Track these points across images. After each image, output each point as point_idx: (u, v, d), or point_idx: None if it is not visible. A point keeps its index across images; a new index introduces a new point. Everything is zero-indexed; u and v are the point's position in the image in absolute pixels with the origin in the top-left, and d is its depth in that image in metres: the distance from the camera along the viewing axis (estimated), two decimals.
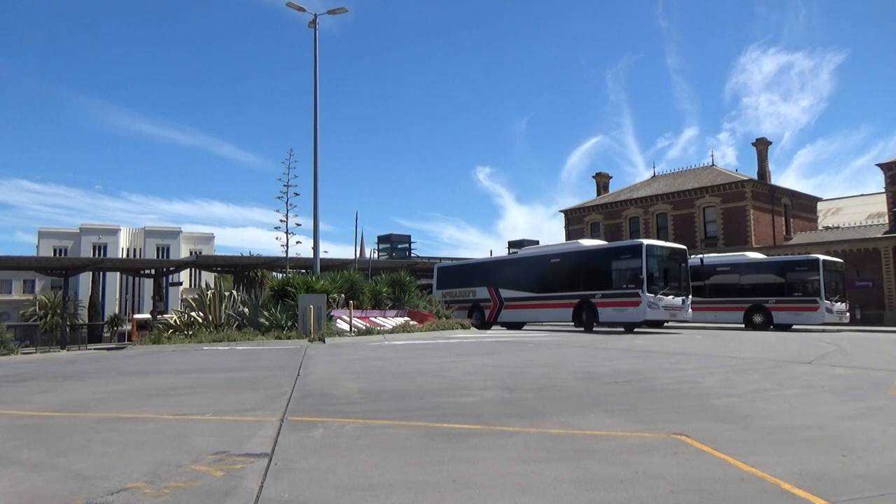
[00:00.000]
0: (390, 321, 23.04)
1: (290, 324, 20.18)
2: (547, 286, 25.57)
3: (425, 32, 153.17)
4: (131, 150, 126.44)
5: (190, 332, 20.15)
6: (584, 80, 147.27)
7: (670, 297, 21.84)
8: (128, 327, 45.90)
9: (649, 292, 21.25)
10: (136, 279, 67.32)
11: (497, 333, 22.76)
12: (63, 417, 6.98)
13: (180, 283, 58.61)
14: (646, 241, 22.70)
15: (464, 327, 24.09)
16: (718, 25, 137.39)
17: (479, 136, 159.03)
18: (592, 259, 24.67)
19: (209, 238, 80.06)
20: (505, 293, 27.30)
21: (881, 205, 39.98)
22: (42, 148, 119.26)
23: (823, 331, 23.44)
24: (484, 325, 28.07)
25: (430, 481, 4.14)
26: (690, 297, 22.86)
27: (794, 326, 25.07)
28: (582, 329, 23.83)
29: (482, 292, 28.50)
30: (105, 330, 48.84)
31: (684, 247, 24.66)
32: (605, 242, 27.85)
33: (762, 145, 44.44)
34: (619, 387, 8.34)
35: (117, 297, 70.45)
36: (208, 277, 61.60)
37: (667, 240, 44.46)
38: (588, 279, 23.93)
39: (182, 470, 4.49)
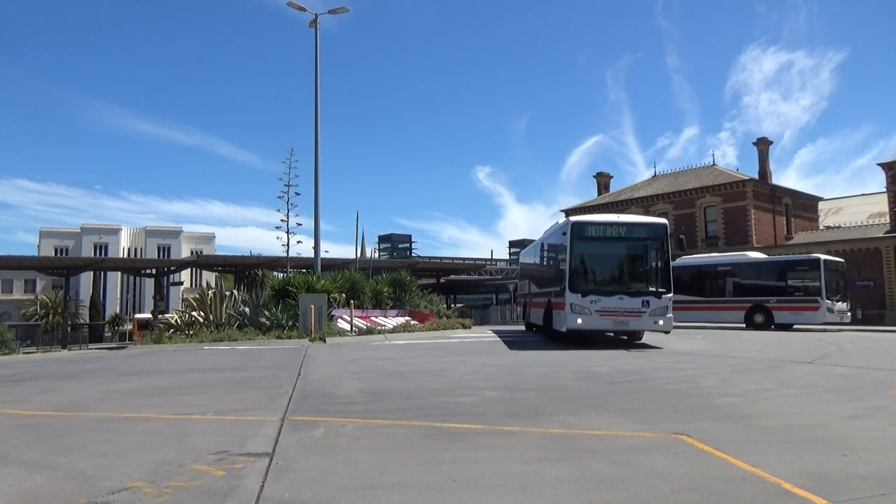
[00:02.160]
0: (391, 321, 23.04)
1: (290, 323, 20.20)
2: (539, 281, 20.61)
3: (425, 32, 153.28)
4: (131, 150, 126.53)
5: (191, 332, 20.17)
6: (583, 80, 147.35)
7: (617, 297, 14.64)
8: (129, 327, 45.88)
9: (573, 291, 14.84)
10: (137, 279, 67.37)
11: (502, 334, 22.73)
12: (64, 417, 6.98)
13: (181, 283, 58.63)
14: (574, 218, 15.97)
15: (465, 327, 24.06)
16: (718, 24, 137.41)
17: (479, 136, 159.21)
18: (550, 246, 18.53)
19: (210, 238, 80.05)
20: (530, 287, 22.66)
21: (882, 204, 39.94)
22: (42, 148, 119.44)
23: (824, 330, 23.42)
24: (528, 325, 23.39)
25: (430, 481, 4.14)
26: (670, 295, 14.79)
27: (795, 326, 25.05)
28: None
29: (524, 286, 24.35)
30: (106, 329, 48.83)
31: (657, 221, 15.81)
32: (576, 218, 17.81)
33: (763, 145, 44.45)
34: (620, 386, 8.34)
35: (118, 296, 70.46)
36: (209, 277, 61.58)
37: None
38: (550, 273, 18.14)
39: (183, 469, 4.50)
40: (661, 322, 14.69)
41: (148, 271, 44.91)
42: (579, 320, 14.71)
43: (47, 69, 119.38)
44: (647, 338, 16.80)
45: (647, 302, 14.64)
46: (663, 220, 15.58)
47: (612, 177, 54.83)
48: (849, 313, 26.16)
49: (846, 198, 51.07)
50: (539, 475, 4.21)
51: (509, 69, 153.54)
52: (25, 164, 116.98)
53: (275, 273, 37.00)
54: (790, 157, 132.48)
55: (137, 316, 46.67)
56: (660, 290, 14.79)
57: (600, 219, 16.32)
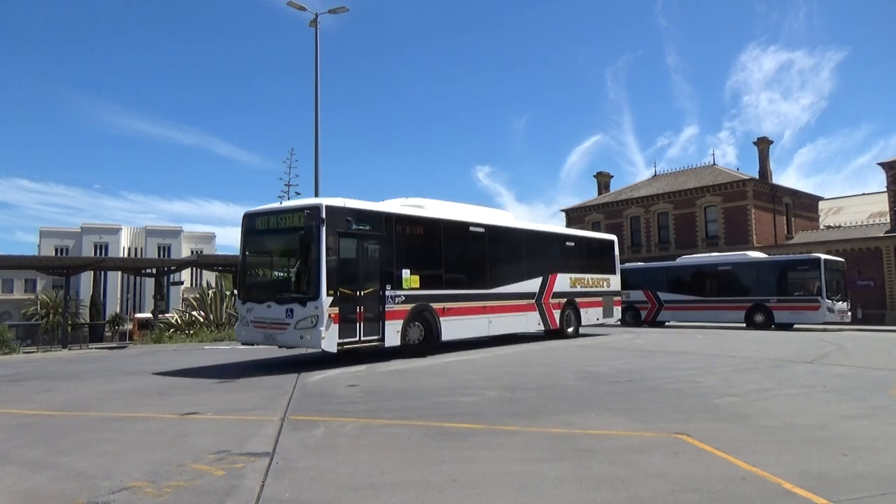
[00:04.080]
0: None
1: None
2: None
3: (425, 32, 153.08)
4: (130, 149, 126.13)
5: (191, 332, 20.21)
6: (583, 79, 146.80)
7: (266, 304, 11.67)
8: (129, 327, 45.87)
9: (239, 297, 12.66)
10: (138, 278, 67.32)
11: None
12: (64, 417, 6.99)
13: (181, 283, 58.48)
14: (249, 209, 12.73)
15: None
16: (718, 23, 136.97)
17: (479, 135, 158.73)
18: None
19: (210, 237, 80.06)
20: None
21: (882, 204, 39.90)
22: (41, 147, 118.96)
23: (825, 330, 23.41)
24: None
25: (430, 481, 4.14)
26: (318, 302, 10.80)
27: (795, 326, 25.04)
28: None
29: None
30: (106, 329, 48.67)
31: (306, 204, 11.77)
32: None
33: (763, 144, 44.40)
34: (620, 386, 8.34)
35: (118, 296, 70.45)
36: (209, 277, 61.56)
37: (668, 240, 44.50)
38: None
39: (183, 469, 4.50)
40: (307, 337, 10.77)
41: (148, 271, 44.81)
42: (242, 332, 12.10)
43: (47, 69, 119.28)
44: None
45: (292, 311, 11.17)
46: (316, 202, 11.46)
47: (612, 176, 54.74)
48: (849, 313, 26.15)
49: (846, 197, 51.03)
50: (539, 475, 4.21)
51: (509, 69, 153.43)
52: (24, 164, 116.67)
53: None
54: (790, 156, 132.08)
55: (138, 316, 46.60)
56: (306, 295, 10.96)
57: (261, 208, 12.52)
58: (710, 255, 31.10)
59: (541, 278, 16.60)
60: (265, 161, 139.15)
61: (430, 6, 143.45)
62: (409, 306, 12.37)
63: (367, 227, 11.88)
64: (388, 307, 11.95)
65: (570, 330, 17.77)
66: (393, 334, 11.98)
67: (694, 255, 31.24)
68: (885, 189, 38.66)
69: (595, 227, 48.60)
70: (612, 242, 20.80)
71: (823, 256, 25.16)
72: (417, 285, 12.66)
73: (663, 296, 27.87)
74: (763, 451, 4.76)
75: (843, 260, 27.21)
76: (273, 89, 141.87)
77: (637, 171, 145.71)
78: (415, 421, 6.07)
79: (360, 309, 11.46)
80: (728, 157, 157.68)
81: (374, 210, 12.46)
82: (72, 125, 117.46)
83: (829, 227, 43.94)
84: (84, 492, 4.05)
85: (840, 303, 24.95)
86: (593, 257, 19.50)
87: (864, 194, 49.00)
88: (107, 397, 8.45)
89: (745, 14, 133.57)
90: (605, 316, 19.54)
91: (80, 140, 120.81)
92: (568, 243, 18.44)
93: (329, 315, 10.80)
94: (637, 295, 28.43)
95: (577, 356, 12.64)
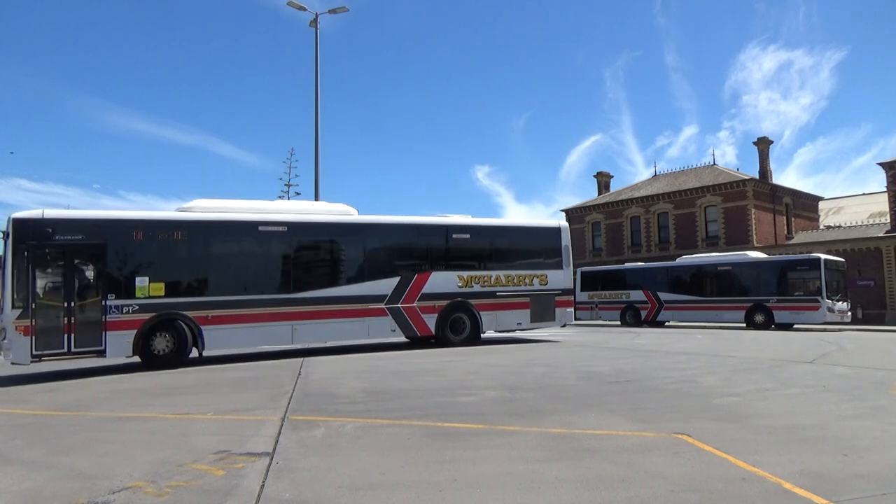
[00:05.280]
0: None
1: None
2: None
3: (424, 31, 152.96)
4: (130, 149, 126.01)
5: None
6: (582, 78, 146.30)
7: None
8: None
9: None
10: None
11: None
12: (64, 416, 6.99)
13: None
14: None
15: None
16: (717, 23, 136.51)
17: (478, 135, 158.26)
18: None
19: None
20: None
21: (882, 204, 39.90)
22: (39, 147, 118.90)
23: (825, 330, 23.42)
24: None
25: (431, 480, 4.14)
26: (4, 316, 10.87)
27: (795, 325, 25.06)
28: None
29: None
30: None
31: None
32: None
33: (763, 144, 44.40)
34: (621, 386, 8.34)
35: None
36: None
37: (668, 240, 44.55)
38: None
39: (183, 469, 4.51)
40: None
41: None
42: None
43: (46, 68, 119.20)
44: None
45: None
46: (8, 217, 11.23)
47: (612, 176, 54.69)
48: (849, 313, 26.16)
49: (846, 197, 51.04)
50: (539, 475, 4.22)
51: (507, 67, 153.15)
52: (23, 163, 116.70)
53: None
54: (790, 156, 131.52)
55: None
56: None
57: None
58: (710, 255, 31.11)
59: (397, 278, 14.56)
60: (265, 161, 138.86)
61: (430, 6, 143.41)
62: (146, 315, 11.72)
63: (80, 237, 11.43)
64: (113, 317, 11.43)
65: (460, 337, 15.25)
66: (121, 345, 11.43)
67: (694, 255, 31.26)
68: (885, 189, 38.64)
69: (595, 228, 48.64)
70: (556, 231, 17.07)
71: (823, 256, 25.16)
72: (162, 293, 11.95)
73: (663, 296, 27.89)
74: (763, 451, 4.76)
75: (843, 260, 27.22)
76: (273, 89, 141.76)
77: (637, 171, 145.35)
78: (415, 421, 6.07)
79: (70, 320, 11.07)
80: (728, 156, 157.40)
81: (89, 218, 11.97)
82: (71, 125, 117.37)
83: (829, 227, 43.92)
84: (84, 492, 4.05)
85: (840, 303, 24.95)
86: (515, 250, 16.55)
87: (864, 194, 49.01)
88: (107, 397, 8.45)
89: (745, 13, 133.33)
90: (535, 320, 16.24)
91: (79, 140, 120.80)
92: (458, 235, 15.69)
93: (16, 328, 10.55)
94: (637, 295, 28.47)
95: (577, 356, 12.64)
